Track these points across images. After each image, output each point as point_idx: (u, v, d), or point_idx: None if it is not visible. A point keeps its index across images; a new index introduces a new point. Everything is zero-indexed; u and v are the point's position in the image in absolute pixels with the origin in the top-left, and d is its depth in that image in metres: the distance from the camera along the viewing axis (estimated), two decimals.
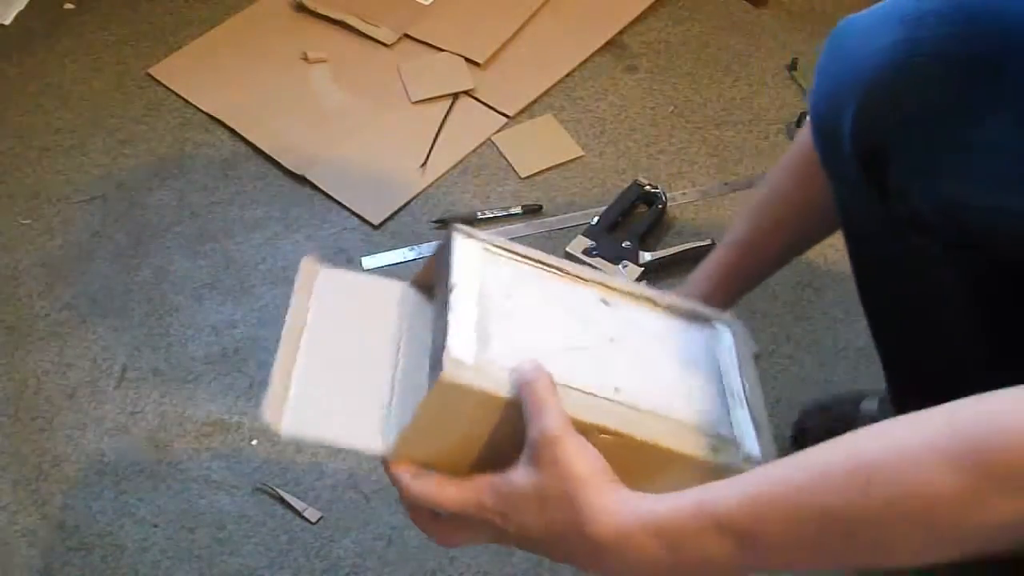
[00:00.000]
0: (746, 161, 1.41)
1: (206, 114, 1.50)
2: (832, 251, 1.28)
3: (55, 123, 1.50)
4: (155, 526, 1.10)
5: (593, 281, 0.73)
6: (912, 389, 0.78)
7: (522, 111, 1.49)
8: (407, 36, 1.59)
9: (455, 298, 0.65)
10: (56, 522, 1.10)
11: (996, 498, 0.48)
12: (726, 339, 0.75)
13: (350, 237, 1.35)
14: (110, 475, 1.13)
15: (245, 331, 1.26)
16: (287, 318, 0.70)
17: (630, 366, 0.68)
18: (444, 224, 1.35)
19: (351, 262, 1.32)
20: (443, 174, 1.41)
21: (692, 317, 0.75)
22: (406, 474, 0.64)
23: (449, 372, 0.60)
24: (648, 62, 1.55)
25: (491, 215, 1.35)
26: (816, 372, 1.20)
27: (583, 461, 0.59)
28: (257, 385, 1.20)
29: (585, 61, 1.55)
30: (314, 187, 1.40)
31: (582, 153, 1.43)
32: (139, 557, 1.07)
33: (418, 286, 0.76)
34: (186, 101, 1.52)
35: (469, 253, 0.69)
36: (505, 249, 0.72)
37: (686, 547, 0.56)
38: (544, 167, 1.42)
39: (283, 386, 0.66)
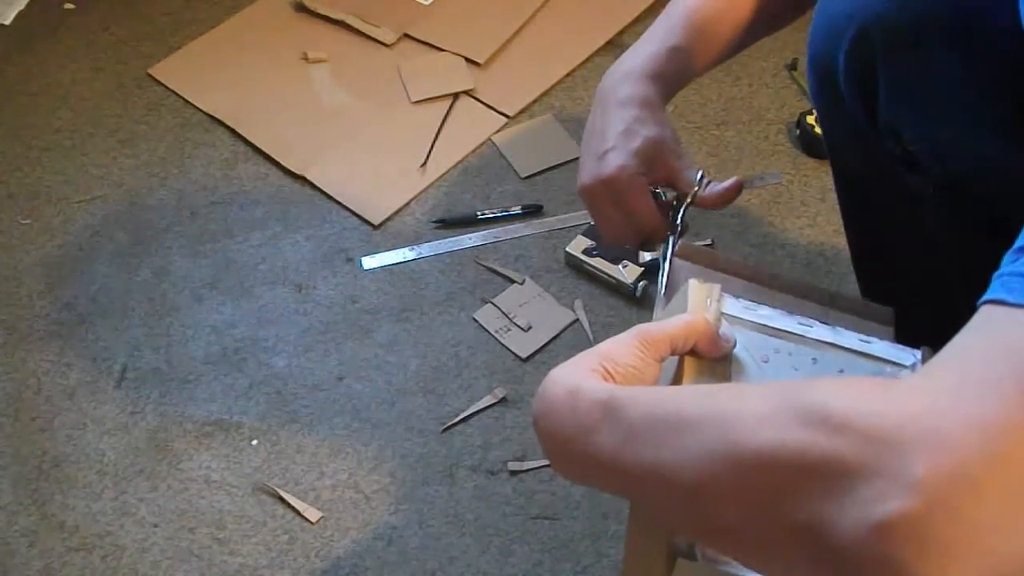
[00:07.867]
0: (746, 161, 1.41)
1: (206, 114, 1.50)
2: (832, 250, 1.28)
3: (55, 123, 1.50)
4: (155, 526, 1.10)
5: (812, 339, 0.68)
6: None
7: (522, 111, 1.49)
8: (407, 36, 1.58)
9: None
10: (56, 522, 1.10)
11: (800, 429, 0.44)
12: None
13: (350, 237, 1.35)
14: (110, 475, 1.14)
15: (245, 331, 1.26)
16: None
17: None
18: (444, 224, 1.35)
19: (351, 262, 1.32)
20: (443, 174, 1.41)
21: (885, 364, 0.69)
22: None
23: None
24: None
25: (491, 215, 1.35)
26: None
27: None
28: (257, 385, 1.20)
29: (585, 61, 1.55)
30: (314, 187, 1.40)
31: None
32: (139, 557, 1.07)
33: None
34: (186, 101, 1.52)
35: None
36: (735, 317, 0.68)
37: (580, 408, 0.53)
38: (544, 167, 1.42)
39: None
